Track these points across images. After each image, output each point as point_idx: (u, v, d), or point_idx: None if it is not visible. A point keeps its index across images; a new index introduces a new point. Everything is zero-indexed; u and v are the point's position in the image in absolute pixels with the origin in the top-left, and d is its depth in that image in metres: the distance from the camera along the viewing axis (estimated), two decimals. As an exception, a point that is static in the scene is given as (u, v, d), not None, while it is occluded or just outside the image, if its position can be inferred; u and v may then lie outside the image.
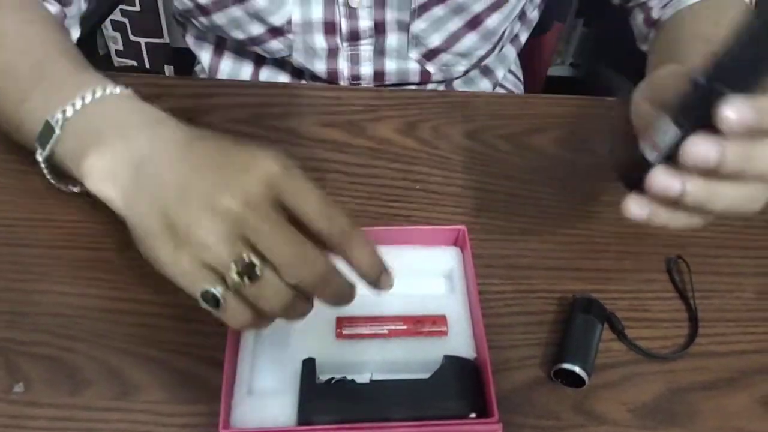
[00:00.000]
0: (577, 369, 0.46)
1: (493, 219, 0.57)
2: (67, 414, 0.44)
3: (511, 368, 0.49)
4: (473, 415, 0.42)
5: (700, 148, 0.33)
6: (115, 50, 1.49)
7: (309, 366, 0.44)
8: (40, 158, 0.44)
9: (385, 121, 0.64)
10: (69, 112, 0.43)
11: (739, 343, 0.51)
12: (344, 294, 0.37)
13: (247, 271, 0.34)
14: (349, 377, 0.44)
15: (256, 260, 0.34)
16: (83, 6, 0.61)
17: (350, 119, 0.63)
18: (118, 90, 0.44)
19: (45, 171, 0.46)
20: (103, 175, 0.40)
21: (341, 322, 0.46)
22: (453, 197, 0.59)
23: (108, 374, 0.46)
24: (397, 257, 0.51)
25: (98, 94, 0.43)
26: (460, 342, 0.47)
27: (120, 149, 0.40)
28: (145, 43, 1.45)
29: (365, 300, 0.42)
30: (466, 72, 0.74)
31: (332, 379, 0.44)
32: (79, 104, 0.43)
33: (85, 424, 0.44)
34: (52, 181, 0.48)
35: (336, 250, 0.36)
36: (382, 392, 0.43)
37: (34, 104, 0.46)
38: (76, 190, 0.50)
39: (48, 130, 0.43)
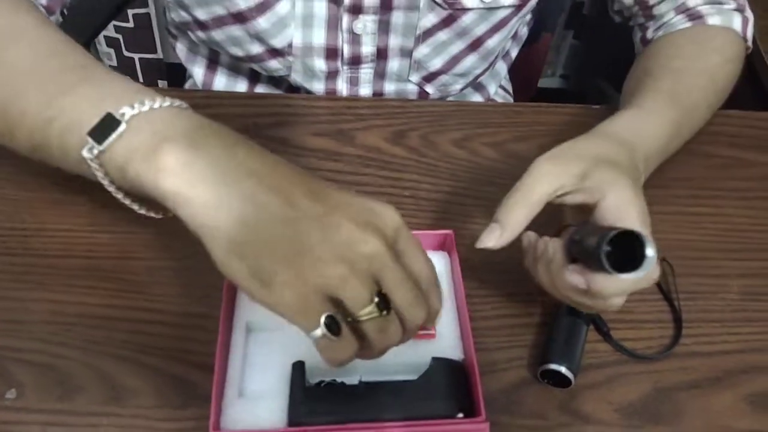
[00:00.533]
0: (563, 369, 0.47)
1: (480, 225, 0.58)
2: (58, 419, 0.45)
3: (498, 370, 0.49)
4: (461, 415, 0.43)
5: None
6: (109, 66, 1.50)
7: (299, 369, 0.44)
8: (88, 154, 0.39)
9: (373, 130, 0.65)
10: (137, 109, 0.38)
11: (724, 343, 0.52)
12: None
13: (386, 305, 0.36)
14: (339, 380, 0.45)
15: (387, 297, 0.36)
16: (59, 17, 0.61)
17: (340, 128, 0.64)
18: (184, 104, 0.41)
19: (96, 170, 0.40)
20: (191, 176, 0.35)
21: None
22: (441, 203, 0.60)
23: (100, 380, 0.47)
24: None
25: (167, 102, 0.39)
26: (448, 344, 0.48)
27: (216, 154, 0.36)
28: (139, 59, 1.47)
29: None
30: (462, 89, 0.76)
31: (322, 382, 0.45)
32: (147, 105, 0.39)
33: (76, 429, 0.45)
34: (105, 183, 0.41)
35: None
36: (371, 394, 0.43)
37: (78, 100, 0.41)
38: (121, 198, 0.42)
39: (109, 122, 0.38)
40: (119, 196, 0.41)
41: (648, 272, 0.40)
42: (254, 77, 0.76)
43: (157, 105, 0.39)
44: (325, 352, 0.36)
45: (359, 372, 0.46)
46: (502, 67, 0.82)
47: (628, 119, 0.54)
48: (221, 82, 0.77)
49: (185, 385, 0.47)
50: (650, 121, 0.54)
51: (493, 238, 0.46)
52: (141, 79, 1.50)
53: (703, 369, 0.50)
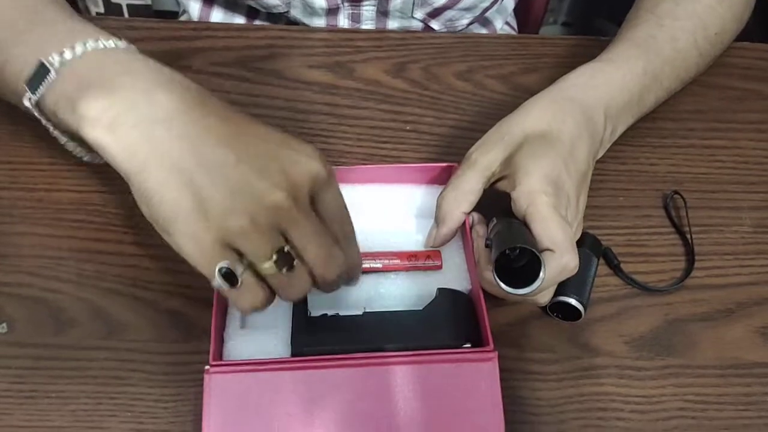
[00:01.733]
0: (573, 301, 0.46)
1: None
2: (51, 353, 0.43)
3: (506, 303, 0.48)
4: (468, 345, 0.41)
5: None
6: (96, 12, 1.45)
7: (301, 299, 0.42)
8: (28, 103, 0.39)
9: (373, 62, 0.62)
10: (68, 55, 0.38)
11: (737, 276, 0.50)
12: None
13: (286, 262, 0.35)
14: (343, 314, 0.43)
15: (292, 252, 0.35)
16: None
17: (337, 61, 0.62)
18: (122, 44, 0.40)
19: (41, 118, 0.41)
20: (109, 122, 0.35)
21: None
22: (445, 138, 0.57)
23: (94, 314, 0.45)
24: (390, 196, 0.50)
25: (101, 44, 0.39)
26: (454, 275, 0.46)
27: (134, 98, 0.36)
28: (127, 5, 1.42)
29: (358, 238, 0.41)
30: (469, 25, 0.73)
31: (325, 315, 0.43)
32: (80, 49, 0.38)
33: (70, 363, 0.43)
34: (53, 131, 0.42)
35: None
36: (375, 323, 0.42)
37: (24, 47, 0.41)
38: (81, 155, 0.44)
39: (41, 71, 0.38)
40: (63, 141, 0.42)
41: (558, 271, 0.41)
42: (252, 13, 0.72)
43: (90, 47, 0.39)
44: (230, 300, 0.36)
45: (363, 305, 0.44)
46: (509, 3, 0.79)
47: (588, 73, 0.51)
48: (217, 18, 0.74)
49: (184, 319, 0.46)
50: (613, 73, 0.51)
51: (431, 238, 0.46)
52: (130, 26, 1.45)
53: (715, 301, 0.49)
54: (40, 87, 0.38)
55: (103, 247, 0.48)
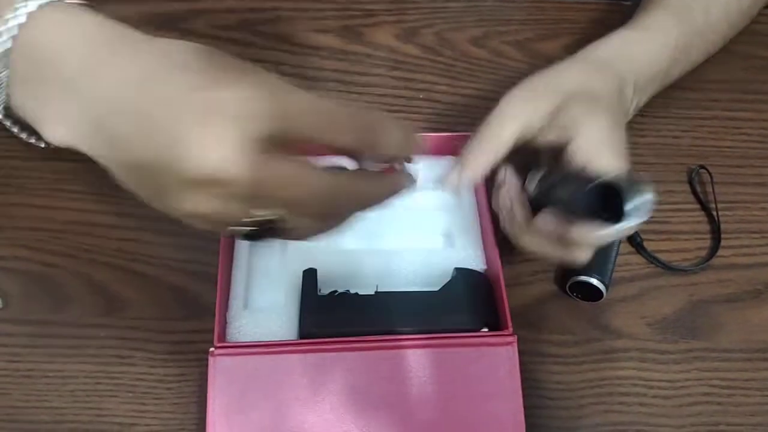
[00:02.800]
0: (593, 281, 0.44)
1: (502, 128, 0.53)
2: (49, 331, 0.42)
3: (523, 283, 0.46)
4: (485, 329, 0.39)
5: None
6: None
7: (310, 277, 0.40)
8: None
9: (383, 26, 0.59)
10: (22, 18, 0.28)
11: (764, 255, 0.48)
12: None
13: (270, 225, 0.29)
14: (353, 291, 0.41)
15: (271, 215, 0.28)
16: None
17: (346, 24, 0.59)
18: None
19: None
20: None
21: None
22: (459, 107, 0.55)
23: (92, 290, 0.43)
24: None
25: None
26: (469, 254, 0.44)
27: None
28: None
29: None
30: None
31: (335, 291, 0.41)
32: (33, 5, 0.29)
33: (69, 341, 0.41)
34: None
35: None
36: (389, 304, 0.40)
37: None
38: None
39: None
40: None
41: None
42: None
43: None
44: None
45: (373, 282, 0.42)
46: None
47: (622, 41, 0.47)
48: None
49: (185, 296, 0.44)
50: (648, 43, 0.48)
51: (453, 180, 0.41)
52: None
53: (742, 281, 0.47)
54: None
55: (102, 219, 0.46)
